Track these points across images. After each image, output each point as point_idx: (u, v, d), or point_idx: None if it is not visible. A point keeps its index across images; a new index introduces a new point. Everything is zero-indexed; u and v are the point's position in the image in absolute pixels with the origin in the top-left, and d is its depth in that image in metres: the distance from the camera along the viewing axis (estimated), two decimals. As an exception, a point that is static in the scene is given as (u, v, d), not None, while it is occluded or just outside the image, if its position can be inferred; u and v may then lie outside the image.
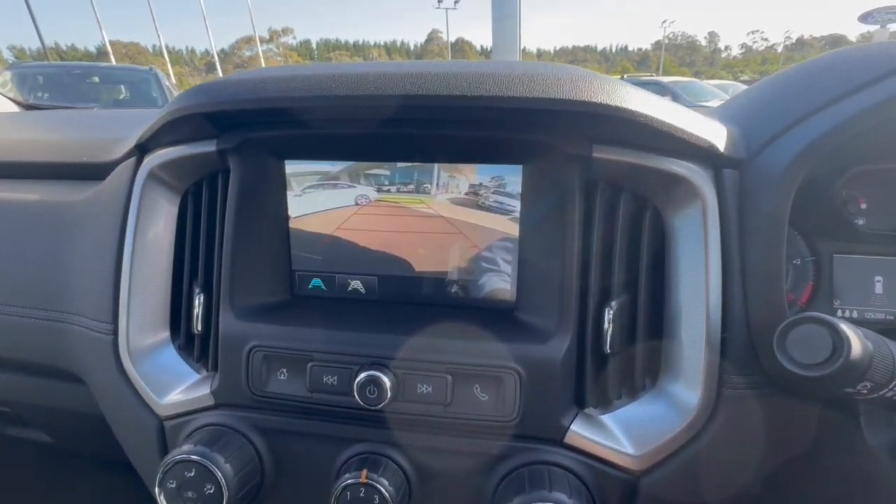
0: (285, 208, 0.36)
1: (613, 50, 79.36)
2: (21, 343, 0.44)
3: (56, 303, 0.42)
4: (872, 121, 0.30)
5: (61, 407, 0.52)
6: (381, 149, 0.34)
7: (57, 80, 4.68)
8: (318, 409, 0.33)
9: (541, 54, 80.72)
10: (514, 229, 0.33)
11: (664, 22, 49.09)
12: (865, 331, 0.23)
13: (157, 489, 0.31)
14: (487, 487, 0.31)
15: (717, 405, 0.31)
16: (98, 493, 0.79)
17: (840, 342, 0.21)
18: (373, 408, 0.31)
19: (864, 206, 0.47)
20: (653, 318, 0.33)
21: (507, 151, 0.33)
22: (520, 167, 0.33)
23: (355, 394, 0.31)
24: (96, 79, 4.69)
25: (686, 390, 0.31)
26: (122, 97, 4.65)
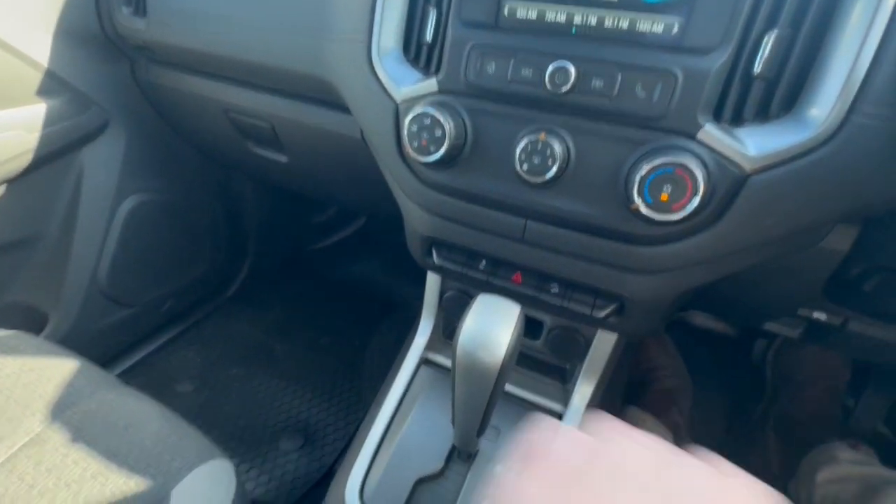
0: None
1: None
2: (296, 57, 0.64)
3: (324, 26, 0.58)
4: None
5: (306, 123, 0.74)
6: None
7: None
8: (512, 95, 0.46)
9: None
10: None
11: None
12: None
13: (404, 129, 0.49)
14: (627, 160, 0.43)
15: (842, 126, 0.38)
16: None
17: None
18: (557, 91, 0.43)
19: None
20: (806, 53, 0.39)
21: None
22: None
23: (545, 80, 0.43)
24: None
25: (816, 111, 0.38)
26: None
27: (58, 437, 0.52)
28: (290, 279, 1.38)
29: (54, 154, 0.81)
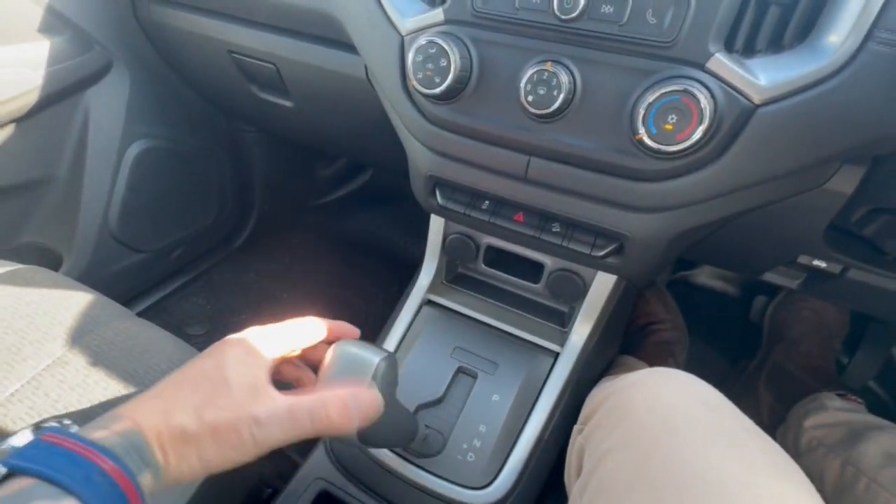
0: None
1: None
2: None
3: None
4: None
5: (311, 63, 0.72)
6: None
7: None
8: (519, 23, 0.45)
9: None
10: None
11: None
12: None
13: (409, 61, 0.48)
14: (634, 91, 0.42)
15: (857, 53, 0.37)
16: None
17: None
18: (565, 17, 0.42)
19: None
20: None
21: None
22: None
23: (554, 6, 0.42)
24: None
25: (833, 38, 0.37)
26: None
27: (79, 360, 0.55)
28: (297, 232, 1.39)
29: (59, 94, 0.81)
